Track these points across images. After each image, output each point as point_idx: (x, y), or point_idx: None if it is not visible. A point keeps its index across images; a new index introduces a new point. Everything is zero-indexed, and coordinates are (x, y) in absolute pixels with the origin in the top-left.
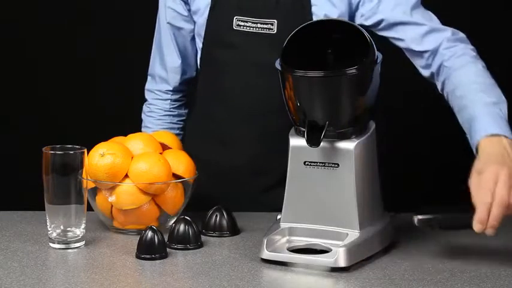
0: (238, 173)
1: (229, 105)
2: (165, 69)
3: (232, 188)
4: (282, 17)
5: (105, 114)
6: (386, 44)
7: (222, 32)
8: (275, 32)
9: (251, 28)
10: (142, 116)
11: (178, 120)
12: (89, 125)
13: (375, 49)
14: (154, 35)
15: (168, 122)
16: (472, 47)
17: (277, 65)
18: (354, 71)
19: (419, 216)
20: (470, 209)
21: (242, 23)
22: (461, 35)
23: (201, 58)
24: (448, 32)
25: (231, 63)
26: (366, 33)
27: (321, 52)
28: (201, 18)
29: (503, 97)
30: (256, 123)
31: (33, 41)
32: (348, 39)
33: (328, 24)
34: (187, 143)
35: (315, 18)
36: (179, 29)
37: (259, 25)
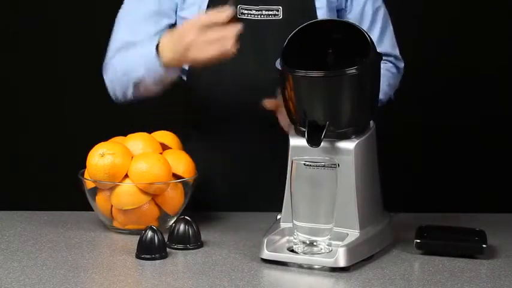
0: (237, 171)
1: (232, 96)
2: None
3: (232, 187)
4: (287, 2)
5: (105, 114)
6: None
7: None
8: (281, 17)
9: (256, 16)
10: None
11: None
12: (88, 125)
13: (375, 49)
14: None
15: None
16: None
17: (278, 65)
18: (354, 71)
19: (418, 240)
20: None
21: (246, 11)
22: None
23: None
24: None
25: (236, 53)
26: (366, 33)
27: (321, 52)
28: (199, 11)
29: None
30: (259, 116)
31: (30, 41)
32: (348, 39)
33: (328, 24)
34: (185, 139)
35: (317, 2)
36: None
37: (263, 12)
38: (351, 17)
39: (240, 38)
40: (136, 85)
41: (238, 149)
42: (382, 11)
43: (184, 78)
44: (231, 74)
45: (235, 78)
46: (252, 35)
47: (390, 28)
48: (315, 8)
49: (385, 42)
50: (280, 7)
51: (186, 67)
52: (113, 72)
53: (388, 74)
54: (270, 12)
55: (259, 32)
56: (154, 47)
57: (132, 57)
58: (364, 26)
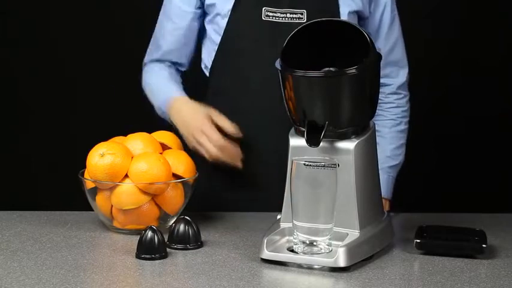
0: (237, 171)
1: (236, 97)
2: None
3: (232, 187)
4: (311, 7)
5: (105, 114)
6: None
7: (250, 23)
8: (305, 21)
9: (280, 18)
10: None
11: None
12: (88, 125)
13: (375, 49)
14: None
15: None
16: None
17: (277, 65)
18: (354, 71)
19: (418, 240)
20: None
21: (271, 14)
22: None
23: (219, 49)
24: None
25: (259, 54)
26: (366, 33)
27: (321, 52)
28: (224, 10)
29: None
30: (260, 116)
31: (31, 40)
32: (348, 39)
33: (328, 24)
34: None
35: (341, 8)
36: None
37: (288, 15)
38: (371, 25)
39: (264, 39)
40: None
41: (243, 147)
42: (397, 21)
43: (207, 73)
44: (251, 73)
45: (255, 77)
46: (274, 37)
47: (402, 40)
48: (339, 13)
49: (396, 52)
50: (305, 11)
51: (209, 64)
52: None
53: (398, 135)
54: (295, 16)
55: (282, 34)
56: (169, 99)
57: (155, 86)
58: (382, 34)
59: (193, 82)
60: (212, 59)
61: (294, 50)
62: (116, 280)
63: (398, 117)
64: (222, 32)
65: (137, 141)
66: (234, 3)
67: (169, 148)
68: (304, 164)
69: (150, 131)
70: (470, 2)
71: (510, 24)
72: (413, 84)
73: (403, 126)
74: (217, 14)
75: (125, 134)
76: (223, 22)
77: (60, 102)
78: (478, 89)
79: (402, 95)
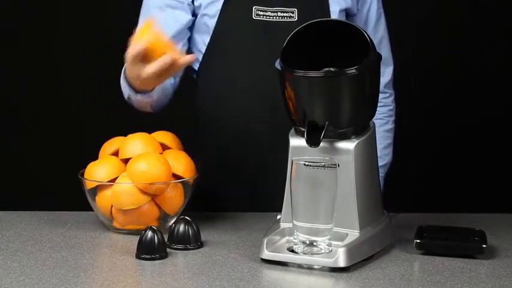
0: (237, 171)
1: (236, 96)
2: None
3: (232, 187)
4: (302, 5)
5: (105, 114)
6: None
7: (240, 22)
8: (296, 19)
9: (271, 17)
10: None
11: None
12: (89, 125)
13: (375, 49)
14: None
15: None
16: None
17: (277, 65)
18: (354, 71)
19: (418, 240)
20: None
21: (261, 13)
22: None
23: (207, 50)
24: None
25: (249, 53)
26: (366, 33)
27: (321, 52)
28: (213, 10)
29: (390, 157)
30: (260, 116)
31: (30, 38)
32: (348, 39)
33: (328, 24)
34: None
35: (331, 6)
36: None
37: (279, 13)
38: (358, 22)
39: (254, 39)
40: (129, 98)
41: (238, 149)
42: (383, 19)
43: (195, 76)
44: (241, 73)
45: (245, 77)
46: (265, 36)
47: (388, 38)
48: (329, 11)
49: (382, 50)
50: (295, 9)
51: (196, 66)
52: None
53: (386, 135)
54: (285, 14)
55: (273, 33)
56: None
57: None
58: (368, 31)
59: (181, 84)
60: (200, 59)
61: (293, 50)
62: (116, 280)
63: (385, 116)
64: (211, 32)
65: (137, 141)
66: (224, 2)
67: (169, 148)
68: (304, 164)
69: (150, 131)
70: (461, 2)
71: (503, 24)
72: (412, 84)
73: (390, 126)
74: (205, 15)
75: (125, 134)
76: (212, 22)
77: (60, 101)
78: (478, 88)
79: (388, 94)
